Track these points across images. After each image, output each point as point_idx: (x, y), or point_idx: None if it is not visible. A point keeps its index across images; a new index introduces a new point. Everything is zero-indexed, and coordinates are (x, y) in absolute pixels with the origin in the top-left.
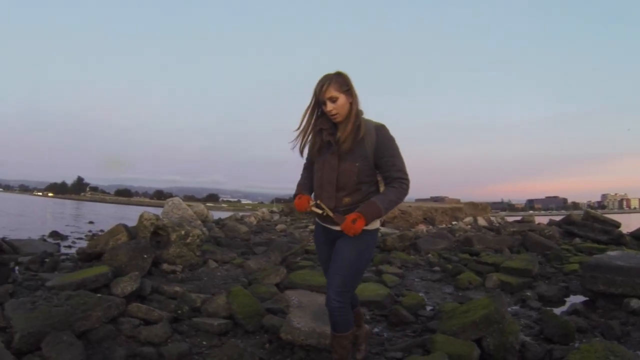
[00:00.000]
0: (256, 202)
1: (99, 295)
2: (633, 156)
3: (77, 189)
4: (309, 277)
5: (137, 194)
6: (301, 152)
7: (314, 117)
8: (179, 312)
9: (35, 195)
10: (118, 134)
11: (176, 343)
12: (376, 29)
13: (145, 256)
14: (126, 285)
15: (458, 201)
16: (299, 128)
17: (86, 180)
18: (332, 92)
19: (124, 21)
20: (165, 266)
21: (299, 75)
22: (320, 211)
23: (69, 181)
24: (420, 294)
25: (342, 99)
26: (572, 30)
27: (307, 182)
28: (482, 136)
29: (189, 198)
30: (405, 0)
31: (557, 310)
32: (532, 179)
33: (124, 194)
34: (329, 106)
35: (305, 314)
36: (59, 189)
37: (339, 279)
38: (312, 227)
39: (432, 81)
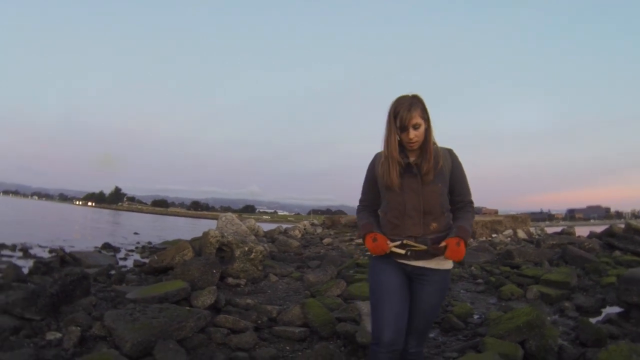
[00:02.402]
0: (293, 214)
1: (187, 308)
2: None
3: (115, 199)
4: (365, 289)
5: (173, 204)
6: (393, 182)
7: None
8: (259, 322)
9: (75, 204)
10: (157, 145)
11: (264, 348)
12: (406, 40)
13: (214, 271)
14: (205, 298)
15: (496, 212)
16: (387, 156)
17: (123, 190)
18: (417, 119)
19: (165, 32)
20: (230, 280)
21: (331, 87)
22: (402, 251)
23: (107, 191)
24: (468, 304)
25: (423, 126)
26: (610, 32)
27: (373, 220)
28: (519, 144)
29: (226, 209)
30: (434, 16)
31: (593, 320)
32: (573, 187)
33: (161, 205)
34: (412, 134)
35: None
36: (97, 199)
37: (428, 328)
38: (358, 240)
39: (466, 90)
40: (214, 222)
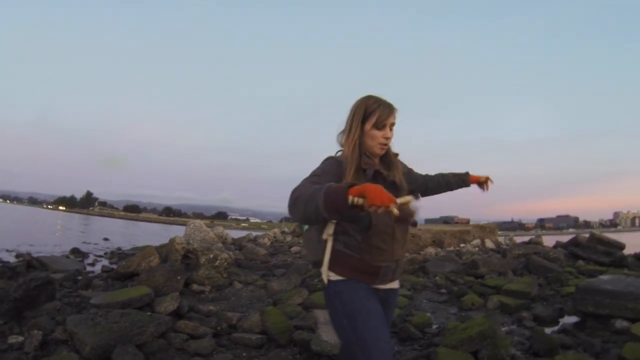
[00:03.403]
0: (265, 221)
1: (149, 313)
2: None
3: (86, 204)
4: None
5: (145, 209)
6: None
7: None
8: (219, 328)
9: (45, 208)
10: (129, 149)
11: (221, 354)
12: (386, 50)
13: (178, 278)
14: (168, 304)
15: (468, 221)
16: (351, 150)
17: (95, 194)
18: (395, 119)
19: (142, 36)
20: (195, 286)
21: (307, 95)
22: (412, 209)
23: (78, 195)
24: (428, 314)
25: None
26: (583, 49)
27: None
28: (492, 154)
29: (198, 215)
30: (416, 24)
31: (549, 329)
32: (543, 197)
33: (133, 210)
34: (389, 133)
35: (331, 329)
36: (68, 203)
37: None
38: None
39: (440, 100)
40: (203, 225)
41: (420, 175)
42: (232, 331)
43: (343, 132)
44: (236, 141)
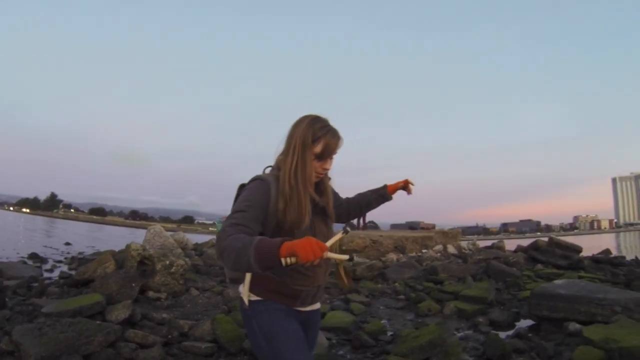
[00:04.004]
0: None
1: (98, 322)
2: (603, 179)
3: (50, 206)
4: None
5: (111, 213)
6: (304, 222)
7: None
8: (170, 336)
9: (7, 210)
10: (95, 150)
11: None
12: (356, 55)
13: (133, 284)
14: (120, 312)
15: (433, 226)
16: (299, 188)
17: (59, 196)
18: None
19: (111, 35)
20: (150, 294)
21: (274, 100)
22: (346, 257)
23: (42, 197)
24: (383, 321)
25: None
26: (549, 56)
27: None
28: (457, 161)
29: (165, 219)
30: (386, 30)
31: (504, 334)
32: (507, 203)
33: (98, 213)
34: (329, 165)
35: None
36: (32, 205)
37: None
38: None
39: (410, 107)
40: (163, 230)
41: (343, 200)
42: (183, 339)
43: (282, 154)
44: (205, 144)
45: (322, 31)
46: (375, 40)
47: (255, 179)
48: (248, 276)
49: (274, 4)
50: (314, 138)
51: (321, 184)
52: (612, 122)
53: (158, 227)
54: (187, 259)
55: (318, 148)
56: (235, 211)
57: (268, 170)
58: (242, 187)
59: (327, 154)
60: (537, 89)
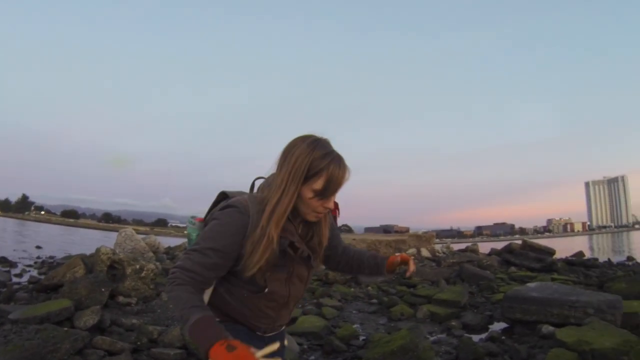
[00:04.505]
0: None
1: (65, 329)
2: (576, 183)
3: (22, 208)
4: None
5: (84, 215)
6: (263, 276)
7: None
8: (138, 343)
9: None
10: (68, 151)
11: None
12: (332, 58)
13: (103, 289)
14: (88, 318)
15: (407, 229)
16: (275, 213)
17: (31, 198)
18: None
19: (78, 35)
20: (121, 298)
21: (249, 104)
22: None
23: (13, 198)
24: (355, 326)
25: None
26: (524, 61)
27: (208, 308)
28: (433, 164)
29: (138, 222)
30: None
31: (478, 337)
32: (481, 206)
33: (71, 215)
34: (332, 204)
35: None
36: (2, 207)
37: None
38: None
39: (384, 110)
40: (135, 233)
41: (342, 246)
42: (152, 346)
43: (272, 184)
44: (179, 147)
45: (293, 35)
46: (351, 44)
47: (233, 207)
48: (207, 296)
49: (256, 8)
50: (313, 171)
51: (316, 224)
52: (585, 127)
53: (129, 230)
54: (158, 263)
55: (319, 184)
56: (196, 249)
57: (258, 183)
58: (223, 197)
59: (330, 191)
60: (512, 93)
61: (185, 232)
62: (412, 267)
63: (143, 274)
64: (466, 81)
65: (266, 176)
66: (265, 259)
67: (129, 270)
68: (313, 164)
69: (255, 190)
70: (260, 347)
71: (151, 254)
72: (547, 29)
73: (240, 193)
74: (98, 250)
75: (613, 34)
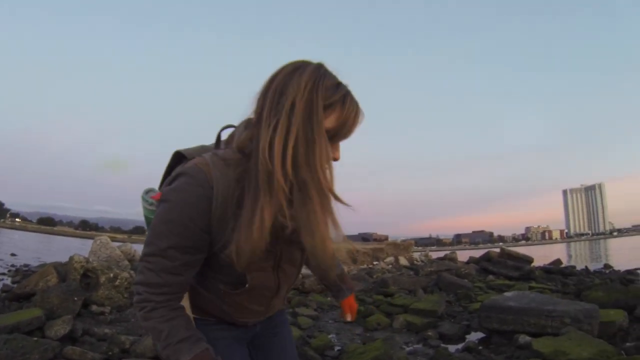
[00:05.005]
0: None
1: (35, 339)
2: (554, 191)
3: None
4: None
5: (61, 223)
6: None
7: None
8: (110, 353)
9: None
10: (45, 157)
11: None
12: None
13: (75, 298)
14: (59, 328)
15: (386, 237)
16: (272, 166)
17: (7, 205)
18: None
19: (51, 40)
20: (94, 307)
21: (230, 109)
22: None
23: None
24: (331, 336)
25: None
26: (504, 71)
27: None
28: (412, 172)
29: (116, 230)
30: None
31: (454, 347)
32: (460, 214)
33: (47, 223)
34: (339, 154)
35: None
36: None
37: None
38: None
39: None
40: (110, 241)
41: None
42: (124, 356)
43: (256, 124)
44: (158, 152)
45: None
46: (326, 54)
47: (186, 176)
48: (186, 296)
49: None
50: (325, 102)
51: None
52: (563, 136)
53: (104, 238)
54: (132, 272)
55: (330, 121)
56: (154, 252)
57: (227, 133)
58: (179, 160)
59: (343, 133)
60: (491, 103)
61: (144, 216)
62: (348, 318)
63: (117, 283)
64: (444, 91)
65: (237, 125)
66: (261, 249)
67: (102, 279)
68: (326, 93)
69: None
70: (245, 349)
71: (126, 262)
72: (522, 39)
73: (201, 149)
74: (71, 258)
75: (589, 45)
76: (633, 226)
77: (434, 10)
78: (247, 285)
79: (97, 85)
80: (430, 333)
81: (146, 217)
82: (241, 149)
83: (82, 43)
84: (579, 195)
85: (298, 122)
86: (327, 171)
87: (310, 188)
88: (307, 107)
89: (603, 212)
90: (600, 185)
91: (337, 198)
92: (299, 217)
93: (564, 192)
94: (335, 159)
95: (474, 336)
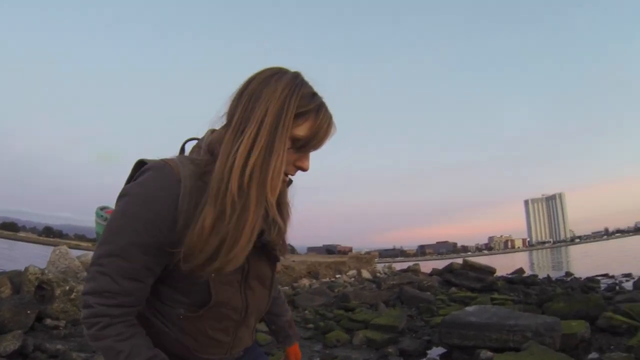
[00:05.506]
0: None
1: None
2: (517, 201)
3: None
4: None
5: (24, 228)
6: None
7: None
8: None
9: None
10: (8, 159)
11: None
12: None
13: (29, 312)
14: (9, 343)
15: (350, 249)
16: (247, 192)
17: None
18: None
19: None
20: (48, 321)
21: (199, 114)
22: None
23: None
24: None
25: None
26: (466, 80)
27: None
28: (376, 184)
29: (80, 237)
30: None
31: None
32: (424, 225)
33: (10, 228)
34: (308, 163)
35: None
36: None
37: None
38: None
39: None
40: (69, 251)
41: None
42: None
43: (225, 126)
44: (125, 158)
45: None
46: (291, 63)
47: (152, 169)
48: None
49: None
50: (298, 110)
51: (281, 197)
52: (525, 148)
53: (64, 248)
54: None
55: (303, 129)
56: (109, 252)
57: (189, 147)
58: (141, 165)
59: (314, 143)
60: (455, 114)
61: (96, 234)
62: None
63: (73, 296)
64: (408, 101)
65: (202, 135)
66: (243, 250)
67: (58, 292)
68: (301, 102)
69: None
70: None
71: (85, 274)
72: (485, 48)
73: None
74: (26, 269)
75: (549, 59)
76: (593, 233)
77: (378, 24)
78: (211, 302)
79: (63, 91)
80: (390, 349)
81: (98, 234)
82: (211, 150)
83: (37, 41)
84: (540, 204)
85: (266, 131)
86: (276, 184)
87: (251, 199)
88: (278, 114)
89: (564, 220)
90: (560, 195)
91: (275, 215)
92: (227, 225)
93: (526, 202)
94: (304, 170)
95: (435, 352)
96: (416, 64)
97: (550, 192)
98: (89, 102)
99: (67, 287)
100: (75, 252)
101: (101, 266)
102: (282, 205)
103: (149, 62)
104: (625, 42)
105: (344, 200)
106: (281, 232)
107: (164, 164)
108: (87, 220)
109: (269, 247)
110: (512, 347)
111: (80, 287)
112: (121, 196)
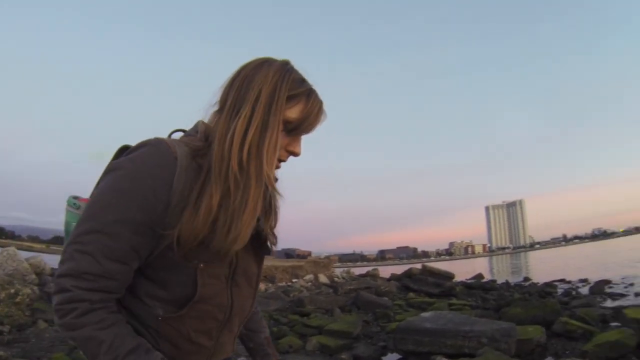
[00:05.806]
0: None
1: None
2: (477, 207)
3: None
4: None
5: None
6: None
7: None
8: None
9: None
10: None
11: None
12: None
13: None
14: None
15: (309, 253)
16: (247, 170)
17: None
18: None
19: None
20: None
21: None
22: None
23: None
24: (240, 359)
25: None
26: (429, 88)
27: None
28: (337, 188)
29: (33, 239)
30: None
31: None
32: (385, 230)
33: None
34: (300, 148)
35: None
36: None
37: None
38: None
39: None
40: (18, 252)
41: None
42: None
43: (219, 111)
44: (77, 160)
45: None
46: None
47: (148, 145)
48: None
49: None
50: (290, 93)
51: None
52: (485, 152)
53: (12, 249)
54: (35, 287)
55: (294, 112)
56: (92, 229)
57: (177, 136)
58: (124, 151)
59: (305, 126)
60: (417, 120)
61: (65, 223)
62: None
63: (18, 299)
64: (371, 105)
65: (191, 127)
66: (248, 226)
67: (2, 295)
68: (292, 86)
69: None
70: None
71: (34, 277)
72: (453, 57)
73: None
74: None
75: (516, 70)
76: (551, 239)
77: (350, 26)
78: (196, 296)
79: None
80: (344, 356)
81: (68, 224)
82: (206, 135)
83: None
84: (500, 211)
85: (261, 110)
86: (272, 160)
87: (252, 174)
88: (271, 95)
89: (523, 226)
90: (520, 202)
91: (273, 188)
92: (233, 202)
93: (487, 208)
94: (296, 154)
95: (390, 358)
96: (383, 65)
97: (510, 199)
98: (50, 98)
99: (13, 290)
100: (25, 254)
101: (82, 244)
102: (269, 199)
103: (132, 62)
104: (584, 54)
105: (305, 204)
106: (273, 222)
107: (160, 141)
108: (41, 221)
109: (262, 235)
110: (467, 353)
111: (26, 290)
112: (109, 170)
